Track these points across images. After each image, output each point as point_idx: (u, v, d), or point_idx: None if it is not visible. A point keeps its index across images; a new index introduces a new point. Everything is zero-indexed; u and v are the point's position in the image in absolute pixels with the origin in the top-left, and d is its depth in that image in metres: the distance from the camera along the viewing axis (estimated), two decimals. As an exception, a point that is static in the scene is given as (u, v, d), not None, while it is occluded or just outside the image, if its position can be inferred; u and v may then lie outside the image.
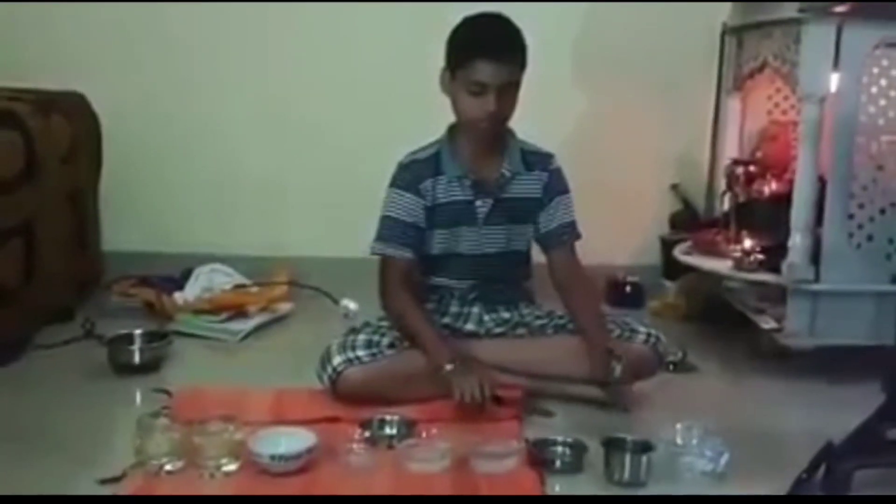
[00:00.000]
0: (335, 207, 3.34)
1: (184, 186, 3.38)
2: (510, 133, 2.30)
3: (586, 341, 2.21)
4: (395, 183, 2.28)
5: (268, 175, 3.37)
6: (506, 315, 2.37)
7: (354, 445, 1.91)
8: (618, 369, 2.11)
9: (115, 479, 1.80)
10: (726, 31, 3.16)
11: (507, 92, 2.15)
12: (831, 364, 2.50)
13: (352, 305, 2.96)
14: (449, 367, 2.10)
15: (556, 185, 2.32)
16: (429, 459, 1.88)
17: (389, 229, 2.26)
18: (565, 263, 2.33)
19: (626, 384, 2.18)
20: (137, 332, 2.55)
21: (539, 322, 2.36)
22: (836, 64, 2.40)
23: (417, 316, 2.21)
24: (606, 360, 2.13)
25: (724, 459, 1.90)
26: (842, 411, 2.17)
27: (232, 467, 1.84)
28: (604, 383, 2.16)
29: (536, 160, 2.32)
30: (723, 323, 2.88)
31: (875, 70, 2.42)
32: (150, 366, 2.46)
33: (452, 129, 2.30)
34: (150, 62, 3.31)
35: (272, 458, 1.82)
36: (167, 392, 2.25)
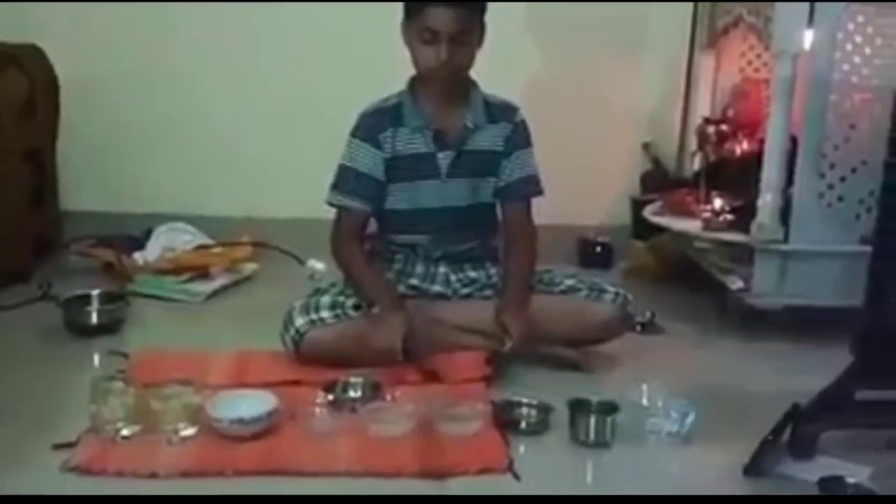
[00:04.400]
0: (301, 166, 3.24)
1: (146, 145, 3.29)
2: (473, 84, 2.25)
3: (496, 305, 2.19)
4: (354, 133, 2.23)
5: (233, 134, 3.29)
6: (473, 274, 2.33)
7: (317, 409, 1.87)
8: (508, 344, 2.10)
9: (70, 445, 1.76)
10: (700, -15, 3.11)
11: (462, 41, 2.10)
12: (799, 325, 2.49)
13: (318, 266, 2.90)
14: (374, 310, 2.10)
15: (519, 139, 2.28)
16: (392, 422, 1.85)
17: (346, 180, 2.21)
18: (517, 219, 2.30)
19: (519, 353, 2.15)
20: (94, 292, 2.49)
21: (505, 283, 2.32)
22: (810, 20, 2.36)
23: (363, 266, 2.20)
24: (502, 331, 2.12)
25: (689, 420, 1.89)
26: (809, 373, 2.16)
27: (190, 432, 1.80)
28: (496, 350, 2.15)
29: (500, 112, 2.27)
30: (692, 284, 2.86)
31: (850, 26, 2.39)
32: (108, 328, 2.40)
33: (414, 81, 2.24)
34: (113, 16, 3.19)
35: (231, 422, 1.78)
36: (124, 355, 2.20)
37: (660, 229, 2.96)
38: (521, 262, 2.26)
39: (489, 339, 2.16)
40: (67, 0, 3.14)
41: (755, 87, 2.97)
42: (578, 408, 1.88)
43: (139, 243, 2.92)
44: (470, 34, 2.11)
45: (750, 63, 3.06)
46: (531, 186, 2.30)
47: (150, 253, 2.87)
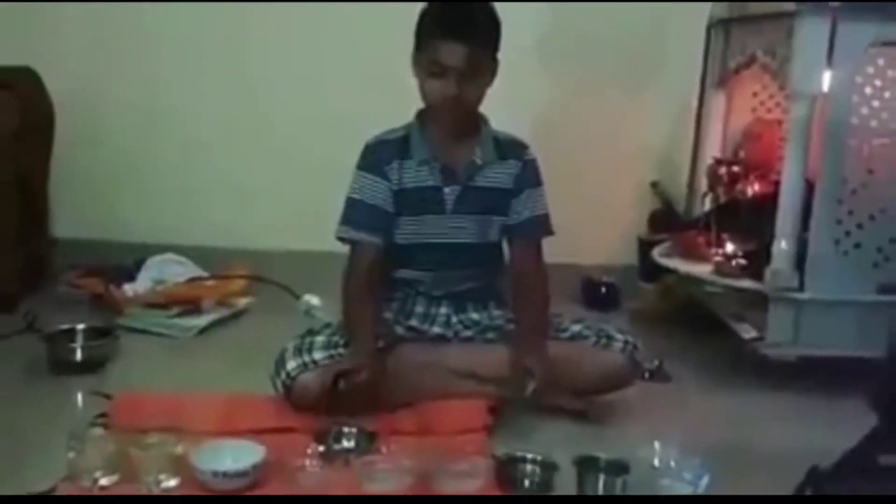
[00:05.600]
0: (299, 198, 3.18)
1: (140, 173, 3.22)
2: (483, 120, 2.19)
3: (512, 351, 2.10)
4: (360, 164, 2.16)
5: (229, 163, 3.22)
6: (475, 316, 2.24)
7: (308, 461, 1.76)
8: (530, 387, 1.99)
9: (46, 496, 1.65)
10: (713, 24, 3.03)
11: (472, 77, 2.04)
12: (814, 376, 2.40)
13: (314, 301, 2.82)
14: (351, 360, 2.00)
15: (529, 177, 2.20)
16: (388, 478, 1.74)
17: (355, 212, 2.13)
18: (527, 259, 2.21)
19: (539, 401, 2.05)
20: (80, 327, 2.40)
21: (511, 326, 2.23)
22: (829, 61, 2.29)
23: (359, 304, 2.10)
24: (521, 376, 2.01)
25: (703, 482, 1.78)
26: (826, 427, 2.10)
27: (171, 483, 1.69)
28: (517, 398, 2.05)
29: (510, 150, 2.20)
30: (701, 328, 2.77)
31: (870, 69, 2.32)
32: (93, 364, 2.31)
33: (422, 114, 2.18)
34: (111, 42, 3.13)
35: (215, 474, 1.68)
36: (107, 396, 2.09)
37: (667, 270, 2.87)
38: (536, 302, 2.17)
39: (504, 384, 2.06)
40: (63, 23, 3.08)
41: (768, 127, 2.90)
42: (586, 467, 1.78)
43: (129, 274, 2.84)
44: (480, 71, 2.05)
45: (762, 103, 2.99)
46: (542, 226, 2.22)
47: (141, 285, 2.79)
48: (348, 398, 1.96)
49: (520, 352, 2.08)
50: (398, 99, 2.16)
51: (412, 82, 2.10)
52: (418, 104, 2.14)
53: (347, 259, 2.15)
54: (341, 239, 2.15)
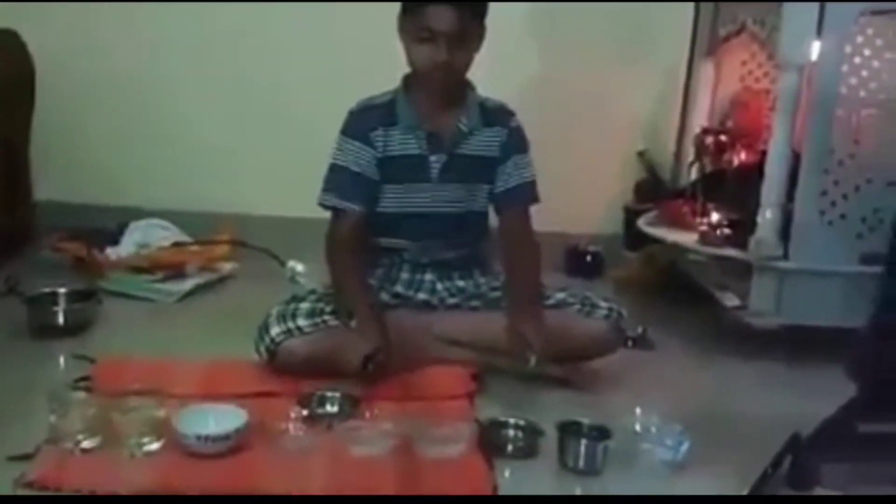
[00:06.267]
0: (285, 163, 3.14)
1: (125, 136, 3.16)
2: (469, 86, 2.16)
3: (509, 321, 2.08)
4: (344, 130, 2.13)
5: (215, 127, 3.16)
6: (460, 283, 2.24)
7: (290, 425, 1.77)
8: (532, 360, 1.97)
9: (26, 457, 1.65)
10: (702, -8, 3.01)
11: (461, 43, 2.02)
12: (796, 345, 2.41)
13: (299, 268, 2.80)
14: (352, 323, 2.00)
15: (516, 144, 2.19)
16: (370, 442, 1.75)
17: (338, 180, 2.11)
18: (516, 227, 2.20)
19: (543, 371, 2.05)
20: (62, 290, 2.37)
21: (494, 294, 2.23)
22: (818, 30, 2.28)
23: (349, 273, 2.09)
24: (522, 347, 2.00)
25: (684, 448, 1.80)
26: (807, 396, 2.11)
27: (154, 447, 1.69)
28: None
29: (496, 116, 2.18)
30: (685, 297, 2.77)
31: (859, 39, 2.31)
32: (75, 328, 2.28)
33: (408, 79, 2.15)
34: (96, 5, 3.05)
35: (198, 438, 1.67)
36: (90, 359, 2.08)
37: (653, 240, 2.87)
38: (528, 270, 2.16)
39: (503, 356, 2.05)
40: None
41: (756, 97, 2.89)
42: (568, 432, 1.79)
43: (112, 238, 2.81)
44: (469, 36, 2.03)
45: (751, 72, 2.97)
46: (529, 193, 2.21)
47: (124, 249, 2.76)
48: (374, 374, 1.96)
49: (516, 322, 2.05)
50: (384, 62, 2.14)
51: (398, 45, 2.08)
52: (405, 67, 2.11)
53: (329, 226, 2.13)
54: (324, 206, 2.13)
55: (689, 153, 2.99)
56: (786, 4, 2.31)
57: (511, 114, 2.21)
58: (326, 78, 3.04)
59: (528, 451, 1.83)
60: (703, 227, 2.67)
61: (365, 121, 2.12)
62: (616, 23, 3.16)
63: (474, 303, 2.23)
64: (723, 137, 2.83)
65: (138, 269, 2.66)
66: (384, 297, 2.19)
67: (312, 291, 2.18)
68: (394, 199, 2.15)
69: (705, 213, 2.73)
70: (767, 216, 2.39)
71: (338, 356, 1.99)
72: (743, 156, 2.78)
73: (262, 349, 2.04)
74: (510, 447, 1.83)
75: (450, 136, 2.14)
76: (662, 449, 1.80)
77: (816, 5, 2.25)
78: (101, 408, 1.71)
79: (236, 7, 3.08)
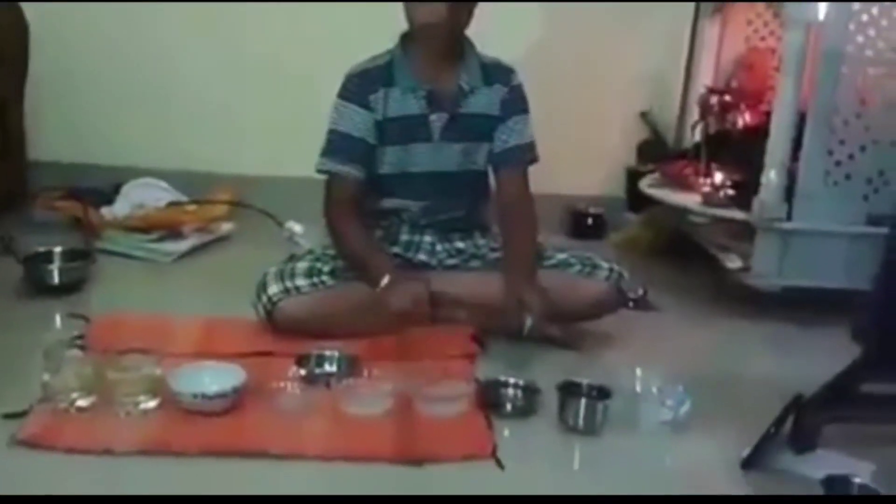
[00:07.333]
0: (283, 123, 3.10)
1: (120, 95, 3.12)
2: (469, 43, 2.12)
3: (504, 283, 2.04)
4: (342, 94, 2.09)
5: (212, 86, 3.13)
6: (460, 245, 2.22)
7: (288, 384, 1.75)
8: (528, 323, 1.94)
9: (20, 415, 1.63)
10: (708, -52, 2.96)
11: None
12: (799, 307, 2.39)
13: (297, 228, 2.78)
14: (384, 281, 1.95)
15: (516, 103, 2.16)
16: (369, 402, 1.73)
17: (335, 144, 2.08)
18: (514, 188, 2.17)
19: (540, 334, 2.02)
20: (58, 249, 2.35)
21: (494, 255, 2.20)
22: (825, -13, 2.23)
23: (358, 237, 2.06)
24: (518, 311, 1.96)
25: (684, 409, 1.79)
26: (809, 358, 2.10)
27: (150, 405, 1.67)
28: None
29: (496, 74, 2.14)
30: (686, 259, 2.75)
31: (867, -5, 2.25)
32: (71, 287, 2.27)
33: (405, 38, 2.10)
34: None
35: (194, 396, 1.66)
36: (85, 318, 2.06)
37: (655, 201, 2.84)
38: (524, 232, 2.12)
39: (497, 318, 2.02)
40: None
41: (761, 56, 2.85)
42: (568, 391, 1.77)
43: (108, 198, 2.79)
44: None
45: (756, 31, 2.93)
46: (527, 154, 2.17)
47: (120, 208, 2.73)
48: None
49: (512, 284, 2.02)
50: (382, 21, 2.10)
51: (396, 4, 2.03)
52: (403, 25, 2.07)
53: (325, 191, 2.09)
54: (322, 171, 2.09)
55: (693, 114, 2.95)
56: (793, -40, 2.26)
57: (511, 70, 2.17)
58: (325, 36, 2.99)
59: (527, 410, 1.81)
60: (707, 189, 2.64)
61: (362, 84, 2.07)
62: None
63: (473, 264, 2.21)
64: (728, 97, 2.79)
65: (135, 229, 2.64)
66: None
67: (310, 251, 2.16)
68: (395, 160, 2.12)
69: (708, 174, 2.70)
70: (771, 177, 2.35)
71: (337, 314, 1.99)
72: (748, 116, 2.75)
73: (260, 308, 2.02)
74: (509, 406, 1.82)
75: (450, 94, 2.10)
76: (663, 409, 1.78)
77: (824, -40, 2.21)
78: (97, 366, 1.69)
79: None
